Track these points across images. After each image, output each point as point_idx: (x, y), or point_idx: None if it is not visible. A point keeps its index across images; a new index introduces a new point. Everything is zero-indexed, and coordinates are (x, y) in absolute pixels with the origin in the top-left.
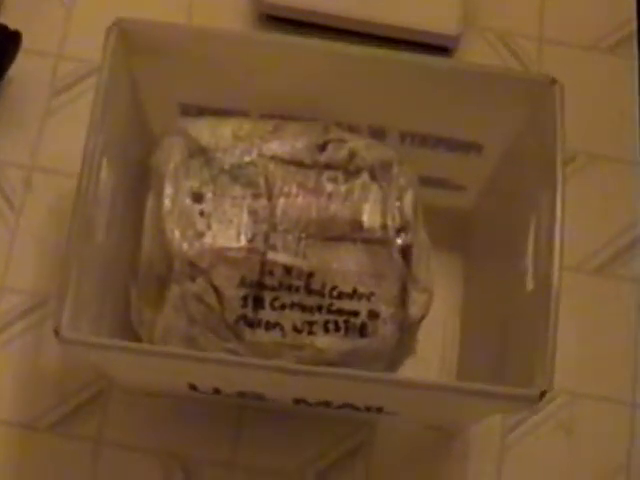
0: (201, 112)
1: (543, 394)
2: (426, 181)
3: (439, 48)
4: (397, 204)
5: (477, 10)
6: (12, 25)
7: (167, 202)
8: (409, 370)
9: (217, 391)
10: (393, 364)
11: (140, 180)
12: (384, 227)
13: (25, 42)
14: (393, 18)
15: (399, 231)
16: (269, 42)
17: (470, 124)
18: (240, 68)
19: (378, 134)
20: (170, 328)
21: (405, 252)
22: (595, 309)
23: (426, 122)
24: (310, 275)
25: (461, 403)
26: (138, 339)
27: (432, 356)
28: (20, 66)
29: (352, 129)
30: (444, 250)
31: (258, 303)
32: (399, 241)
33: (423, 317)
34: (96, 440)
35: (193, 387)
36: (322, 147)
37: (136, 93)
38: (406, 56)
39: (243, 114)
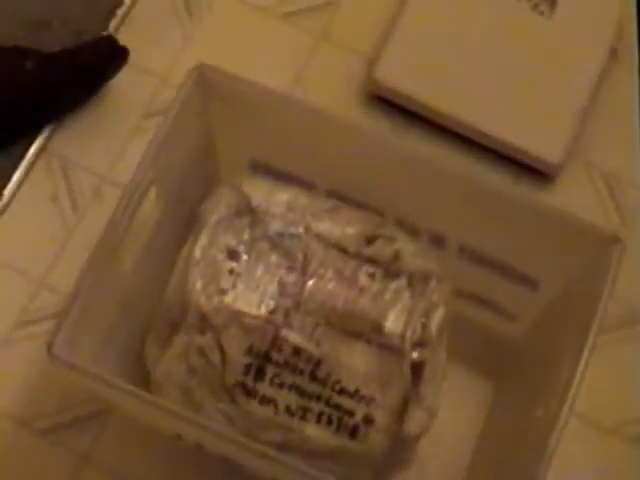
0: (269, 171)
1: None
2: (478, 300)
3: (537, 172)
4: (423, 319)
5: (589, 143)
6: (131, 41)
7: (197, 252)
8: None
9: (200, 447)
10: (380, 474)
11: (191, 225)
12: (402, 337)
13: (137, 59)
14: (498, 130)
15: (416, 346)
16: (350, 128)
17: (531, 258)
18: (316, 142)
19: (438, 242)
20: (169, 373)
21: (416, 368)
22: None
23: (488, 244)
24: (318, 362)
25: None
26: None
27: (434, 475)
28: (124, 80)
29: (413, 230)
30: (479, 372)
31: (259, 374)
32: (413, 355)
33: (419, 437)
34: (83, 457)
35: (179, 437)
36: (370, 240)
37: (210, 139)
38: (489, 183)
39: (309, 185)
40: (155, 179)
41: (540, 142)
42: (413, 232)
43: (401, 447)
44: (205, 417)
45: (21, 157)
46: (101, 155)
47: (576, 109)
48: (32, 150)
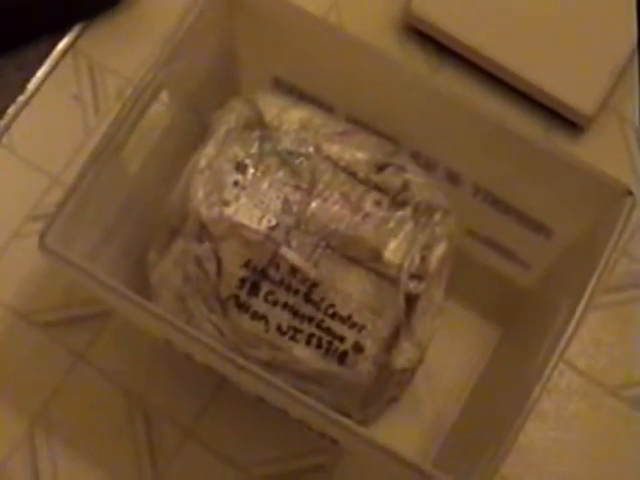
0: (291, 90)
1: None
2: (491, 244)
3: (569, 122)
4: (424, 251)
5: (623, 98)
6: None
7: (203, 161)
8: (399, 415)
9: (188, 356)
10: (369, 406)
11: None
12: (400, 267)
13: None
14: (533, 75)
15: (413, 277)
16: (376, 54)
17: (546, 206)
18: (342, 65)
19: (453, 178)
20: (165, 279)
21: (411, 300)
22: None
23: (504, 187)
24: (313, 284)
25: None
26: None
27: (427, 414)
28: None
29: (429, 164)
30: (488, 318)
31: (254, 290)
32: (409, 286)
33: (408, 370)
34: (78, 354)
35: (169, 343)
36: (380, 167)
37: (233, 51)
38: (510, 126)
39: (328, 108)
40: (167, 82)
41: (574, 92)
42: (428, 166)
43: (390, 380)
44: (196, 326)
45: (48, 53)
46: (129, 59)
47: (615, 63)
48: (60, 47)
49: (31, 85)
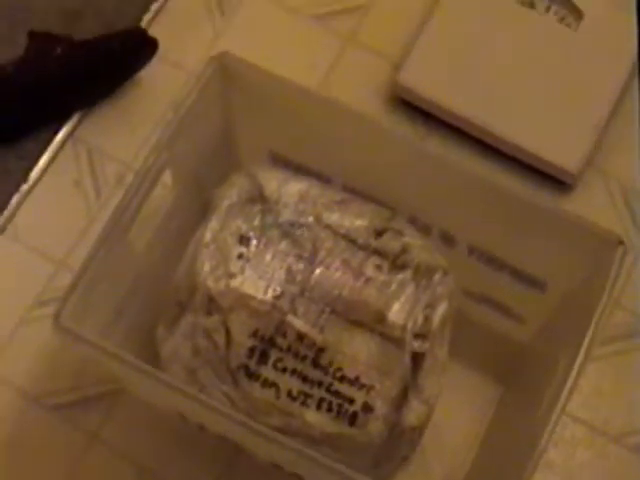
0: (288, 164)
1: None
2: (487, 301)
3: (557, 180)
4: (426, 310)
5: (607, 154)
6: (161, 35)
7: (208, 235)
8: (409, 477)
9: (202, 428)
10: (379, 464)
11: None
12: (404, 328)
13: (166, 53)
14: (519, 138)
15: (418, 336)
16: (370, 123)
17: (538, 260)
18: (334, 134)
19: (448, 241)
20: (175, 353)
21: (417, 359)
22: None
23: (497, 245)
24: (320, 349)
25: None
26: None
27: (437, 473)
28: (153, 72)
29: (425, 228)
30: (487, 375)
31: (263, 358)
32: (414, 345)
33: (417, 428)
34: (92, 435)
35: (182, 416)
36: (379, 233)
37: (229, 128)
38: (499, 183)
39: (325, 179)
40: (170, 163)
41: (560, 151)
42: (424, 230)
43: (400, 438)
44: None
45: (48, 142)
46: (127, 144)
47: (597, 120)
48: (60, 136)
49: (33, 174)
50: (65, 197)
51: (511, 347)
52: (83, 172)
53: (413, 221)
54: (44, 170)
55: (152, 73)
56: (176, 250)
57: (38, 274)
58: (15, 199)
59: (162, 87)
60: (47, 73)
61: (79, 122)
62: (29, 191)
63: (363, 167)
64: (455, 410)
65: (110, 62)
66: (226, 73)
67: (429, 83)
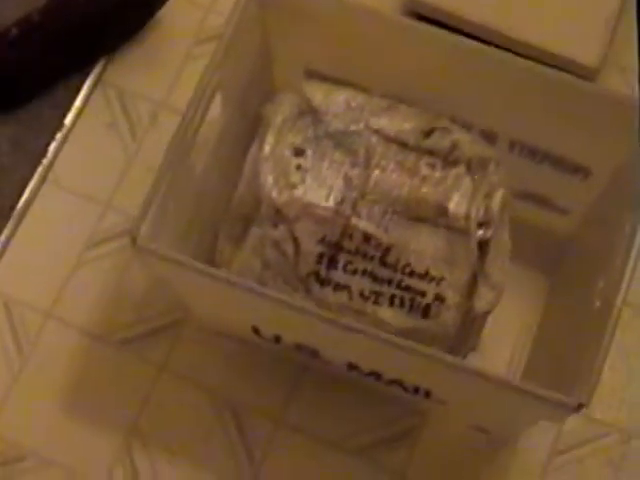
0: (324, 80)
1: (580, 406)
2: (530, 196)
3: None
4: (485, 200)
5: (622, 49)
6: None
7: (267, 149)
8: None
9: (277, 339)
10: (452, 353)
11: (255, 129)
12: (467, 218)
13: None
14: (534, 38)
15: (481, 225)
16: (404, 26)
17: (580, 146)
18: (371, 46)
19: (489, 138)
20: (245, 268)
21: (482, 246)
22: None
23: (539, 135)
24: (387, 248)
25: (501, 399)
26: None
27: (499, 357)
28: (171, 11)
29: (465, 127)
30: (534, 269)
31: (332, 263)
32: (479, 233)
33: (488, 313)
34: (160, 366)
35: (256, 330)
36: (428, 133)
37: (267, 48)
38: (538, 69)
39: (364, 90)
40: (220, 84)
41: (577, 48)
42: (466, 129)
43: (472, 325)
44: None
45: (78, 89)
46: (156, 83)
47: (609, 14)
48: (89, 81)
49: (67, 120)
50: (101, 140)
51: (557, 238)
52: (116, 114)
53: (454, 121)
54: (77, 116)
55: (170, 11)
56: (230, 171)
57: (86, 218)
58: (52, 147)
59: (182, 24)
60: (73, 18)
61: (105, 66)
62: (65, 138)
63: (401, 73)
64: (507, 303)
65: (130, 4)
66: None
67: None
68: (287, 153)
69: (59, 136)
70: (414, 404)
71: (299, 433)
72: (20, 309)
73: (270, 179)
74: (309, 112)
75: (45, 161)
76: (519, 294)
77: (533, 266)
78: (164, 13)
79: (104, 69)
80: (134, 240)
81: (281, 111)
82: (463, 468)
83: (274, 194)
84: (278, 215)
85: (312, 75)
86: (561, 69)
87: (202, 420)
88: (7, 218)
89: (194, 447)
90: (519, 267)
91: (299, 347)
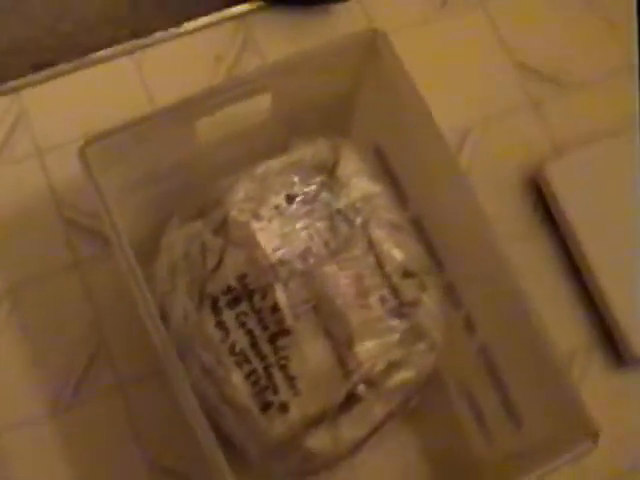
0: (384, 164)
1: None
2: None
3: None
4: (391, 368)
5: None
6: None
7: (262, 169)
8: None
9: None
10: (268, 457)
11: None
12: (360, 365)
13: None
14: None
15: (366, 381)
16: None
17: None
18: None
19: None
20: (171, 246)
21: (351, 399)
22: None
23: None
24: (283, 331)
25: None
26: None
27: None
28: None
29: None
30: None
31: (234, 302)
32: (356, 386)
33: (318, 457)
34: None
35: None
36: (407, 275)
37: (355, 100)
38: None
39: (403, 198)
40: (270, 87)
41: None
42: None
43: (297, 452)
44: (169, 302)
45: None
46: (281, 51)
47: None
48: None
49: (189, 25)
50: (202, 62)
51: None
52: (229, 52)
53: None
54: (200, 28)
55: None
56: (231, 164)
57: None
58: (158, 35)
59: (357, 20)
60: None
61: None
62: (174, 37)
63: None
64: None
65: None
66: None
67: (567, 192)
68: (278, 188)
69: (172, 30)
70: None
71: None
72: None
73: (241, 195)
74: (327, 173)
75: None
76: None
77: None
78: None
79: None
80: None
81: (304, 152)
82: None
83: (234, 211)
84: (223, 227)
85: (378, 153)
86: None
87: None
88: None
89: None
90: None
91: None
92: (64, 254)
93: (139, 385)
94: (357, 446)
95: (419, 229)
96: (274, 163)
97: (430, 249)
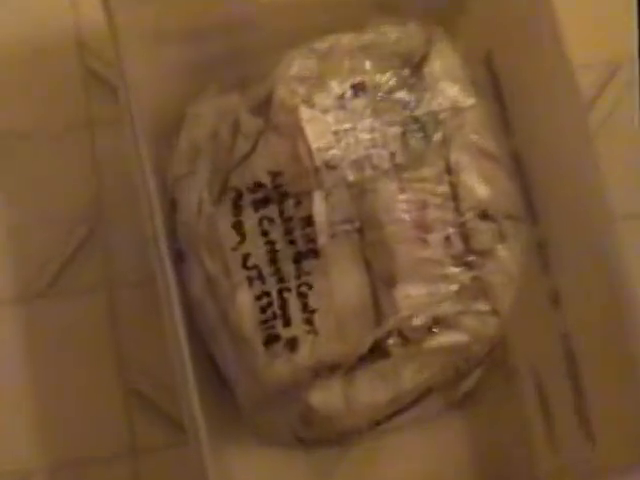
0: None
1: None
2: None
3: None
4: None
5: None
6: None
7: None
8: None
9: None
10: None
11: None
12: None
13: None
14: None
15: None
16: None
17: None
18: None
19: None
20: (199, 117)
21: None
22: None
23: None
24: (313, 251)
25: None
26: None
27: None
28: None
29: None
30: None
31: (259, 204)
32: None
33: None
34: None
35: None
36: (485, 217)
37: None
38: None
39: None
40: None
41: None
42: None
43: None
44: (183, 189)
45: None
46: None
47: None
48: None
49: None
50: None
51: None
52: None
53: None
54: None
55: None
56: None
57: None
58: None
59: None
60: None
61: None
62: None
63: None
64: None
65: None
66: None
67: None
68: (343, 71)
69: None
70: None
71: None
72: None
73: (295, 70)
74: (413, 68)
75: None
76: None
77: None
78: None
79: None
80: None
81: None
82: None
83: (282, 89)
84: (265, 107)
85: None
86: None
87: None
88: None
89: None
90: None
91: None
92: (78, 107)
93: (130, 289)
94: (375, 416)
95: (517, 166)
96: (344, 39)
97: (526, 194)
